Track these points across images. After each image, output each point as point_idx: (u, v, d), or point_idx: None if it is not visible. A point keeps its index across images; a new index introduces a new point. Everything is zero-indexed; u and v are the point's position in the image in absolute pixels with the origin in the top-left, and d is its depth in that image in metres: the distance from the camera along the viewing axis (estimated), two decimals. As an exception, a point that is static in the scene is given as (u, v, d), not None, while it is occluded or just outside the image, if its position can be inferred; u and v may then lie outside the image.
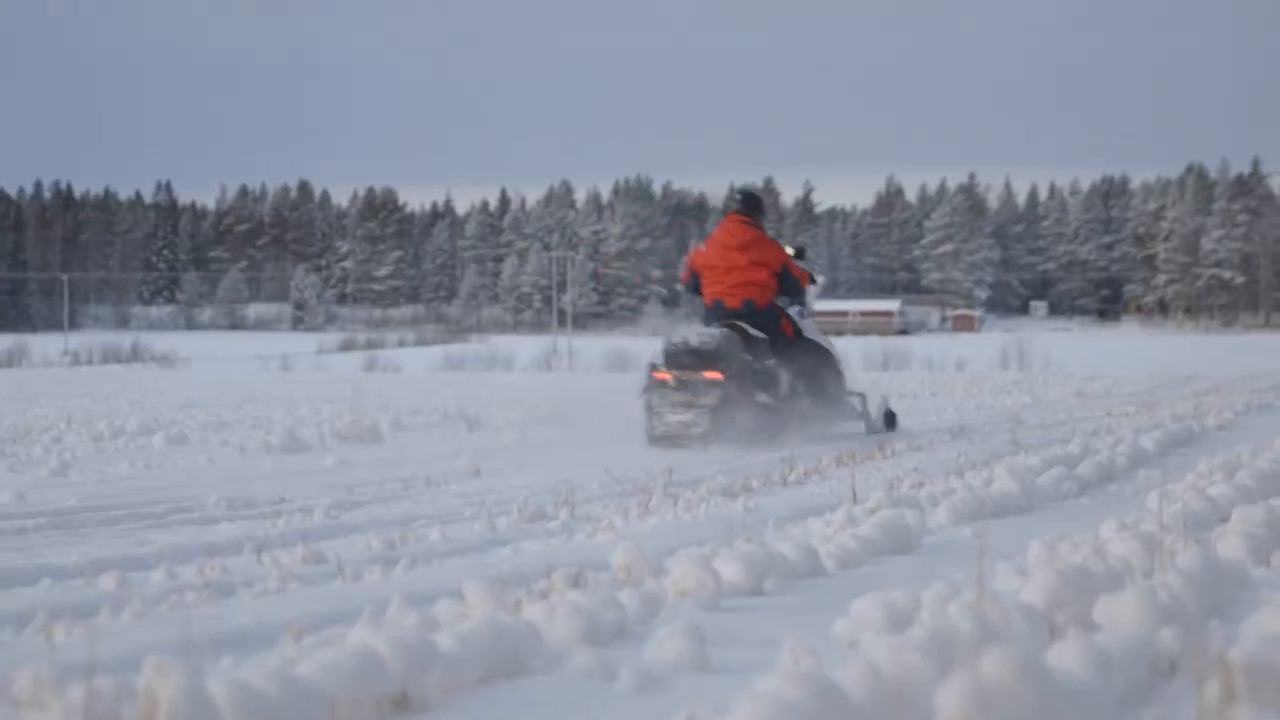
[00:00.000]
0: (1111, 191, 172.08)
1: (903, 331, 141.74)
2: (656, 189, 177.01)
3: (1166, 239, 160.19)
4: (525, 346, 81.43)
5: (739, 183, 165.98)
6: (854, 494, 9.56)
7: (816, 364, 16.59)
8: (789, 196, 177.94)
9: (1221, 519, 8.13)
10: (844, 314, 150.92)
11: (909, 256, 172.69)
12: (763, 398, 15.52)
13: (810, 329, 16.89)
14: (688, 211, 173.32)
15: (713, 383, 15.10)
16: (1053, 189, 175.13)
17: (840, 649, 4.78)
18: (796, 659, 3.99)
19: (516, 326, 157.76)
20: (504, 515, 9.06)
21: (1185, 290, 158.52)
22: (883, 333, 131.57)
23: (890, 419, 17.60)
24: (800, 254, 17.13)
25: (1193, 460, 12.56)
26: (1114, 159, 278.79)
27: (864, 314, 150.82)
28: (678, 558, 6.22)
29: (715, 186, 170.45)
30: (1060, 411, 22.81)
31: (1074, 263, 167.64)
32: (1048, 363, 66.39)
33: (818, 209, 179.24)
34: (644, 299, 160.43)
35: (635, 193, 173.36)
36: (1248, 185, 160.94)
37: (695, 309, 16.92)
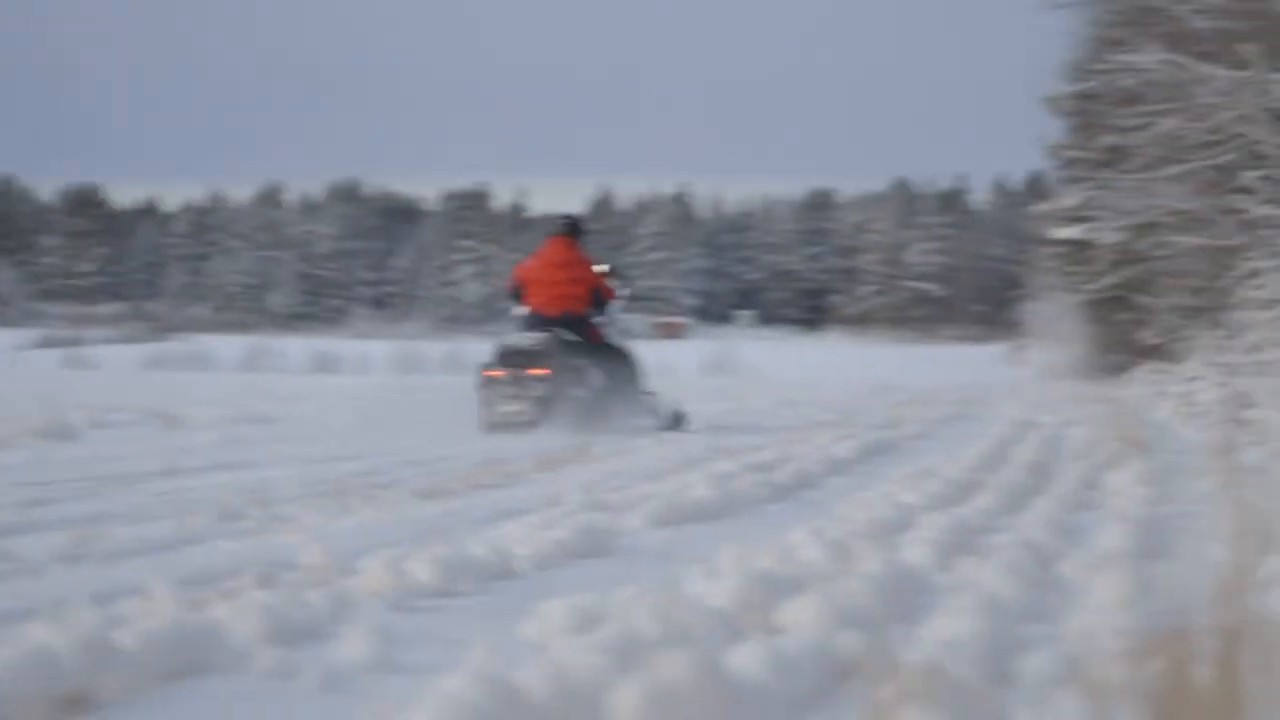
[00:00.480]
0: (819, 203, 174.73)
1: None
2: (368, 191, 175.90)
3: (871, 251, 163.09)
4: (231, 346, 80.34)
5: (451, 186, 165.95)
6: (553, 498, 9.60)
7: (620, 365, 18.90)
8: (501, 202, 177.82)
9: (909, 525, 8.30)
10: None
11: (619, 263, 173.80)
12: (578, 392, 17.87)
13: (614, 336, 19.21)
14: (398, 214, 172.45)
15: (539, 378, 17.60)
16: (763, 199, 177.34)
17: (528, 650, 4.79)
18: (480, 660, 3.99)
19: (222, 326, 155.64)
20: (197, 514, 8.93)
21: (888, 301, 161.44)
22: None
23: (679, 418, 19.25)
24: (613, 271, 19.52)
25: (887, 468, 12.80)
26: (823, 171, 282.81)
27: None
28: (370, 558, 6.20)
29: (426, 190, 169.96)
30: (761, 418, 23.10)
31: (781, 272, 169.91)
32: (754, 370, 67.14)
33: (530, 215, 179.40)
34: (353, 301, 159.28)
35: (346, 194, 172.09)
36: (951, 200, 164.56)
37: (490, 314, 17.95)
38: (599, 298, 18.97)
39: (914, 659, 3.90)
